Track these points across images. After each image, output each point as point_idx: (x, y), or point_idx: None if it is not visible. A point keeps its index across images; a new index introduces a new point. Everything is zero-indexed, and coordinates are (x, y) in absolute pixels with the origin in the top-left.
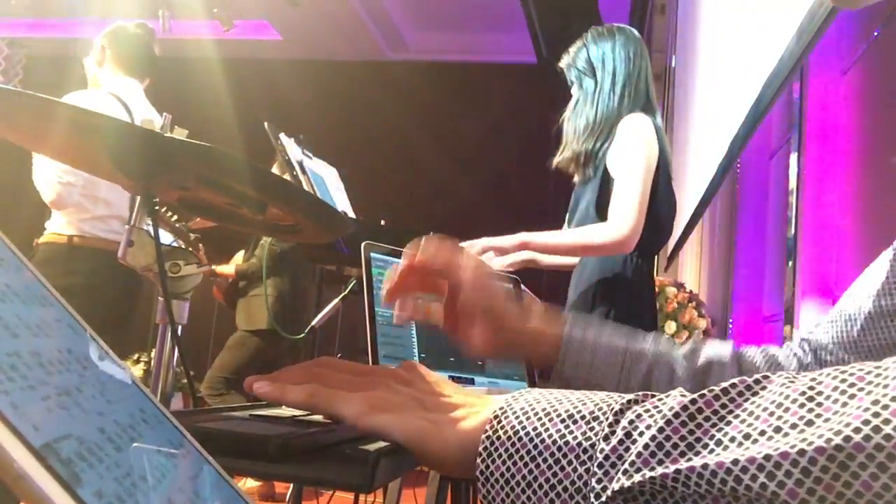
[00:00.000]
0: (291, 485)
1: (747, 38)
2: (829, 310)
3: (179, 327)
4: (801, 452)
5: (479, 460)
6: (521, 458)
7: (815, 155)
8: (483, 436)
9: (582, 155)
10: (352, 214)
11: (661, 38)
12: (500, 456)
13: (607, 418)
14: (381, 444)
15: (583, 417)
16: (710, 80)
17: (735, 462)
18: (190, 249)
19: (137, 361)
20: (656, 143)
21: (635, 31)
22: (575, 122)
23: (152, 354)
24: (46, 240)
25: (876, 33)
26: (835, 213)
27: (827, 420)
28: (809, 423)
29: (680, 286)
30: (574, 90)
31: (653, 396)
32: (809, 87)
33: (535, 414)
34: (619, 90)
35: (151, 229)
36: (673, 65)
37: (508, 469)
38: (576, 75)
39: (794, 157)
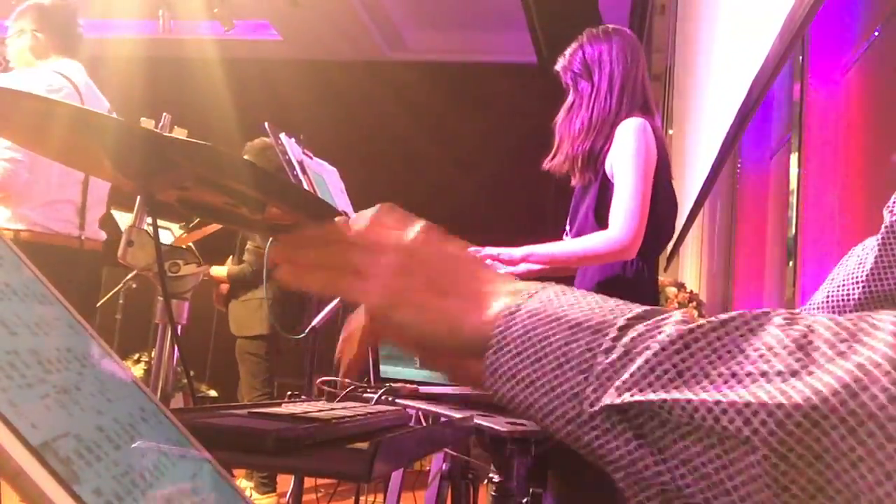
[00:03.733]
0: (290, 486)
1: (743, 37)
2: (814, 295)
3: (179, 327)
4: (779, 405)
5: (487, 353)
6: (528, 357)
7: (815, 155)
8: (494, 330)
9: (580, 158)
10: (352, 214)
11: (661, 39)
12: (507, 353)
13: (610, 333)
14: (379, 437)
15: (589, 327)
16: (709, 79)
17: (717, 402)
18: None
19: (138, 361)
20: (655, 146)
21: (631, 32)
22: (570, 124)
23: (153, 354)
24: None
25: (876, 33)
26: (835, 213)
27: (811, 374)
28: (794, 373)
29: (680, 286)
30: (570, 93)
31: (658, 314)
32: (809, 87)
33: (545, 317)
34: (616, 92)
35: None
36: (673, 65)
37: (514, 367)
38: (571, 78)
39: (794, 157)
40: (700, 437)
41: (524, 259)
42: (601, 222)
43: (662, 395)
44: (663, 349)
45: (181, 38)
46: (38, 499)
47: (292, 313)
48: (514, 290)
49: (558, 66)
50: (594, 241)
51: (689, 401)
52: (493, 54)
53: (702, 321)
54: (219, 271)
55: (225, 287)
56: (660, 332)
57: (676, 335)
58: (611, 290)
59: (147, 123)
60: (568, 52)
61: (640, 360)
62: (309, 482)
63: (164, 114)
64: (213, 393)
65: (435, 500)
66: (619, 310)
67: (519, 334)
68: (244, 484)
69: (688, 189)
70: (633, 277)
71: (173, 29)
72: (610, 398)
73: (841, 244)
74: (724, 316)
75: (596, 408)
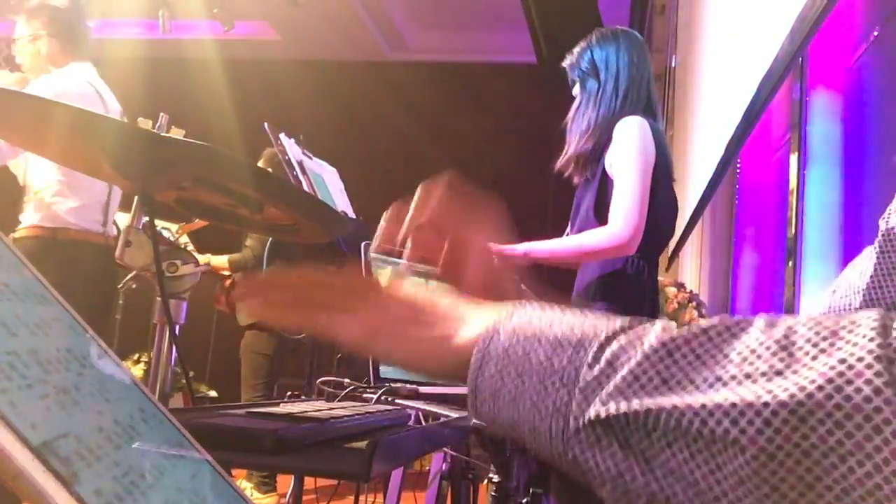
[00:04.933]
0: (290, 487)
1: (746, 38)
2: (817, 307)
3: (177, 327)
4: (766, 404)
5: (470, 372)
6: (509, 374)
7: (815, 155)
8: (475, 349)
9: (582, 156)
10: (352, 214)
11: (661, 39)
12: (489, 371)
13: (593, 347)
14: (377, 437)
15: (570, 343)
16: (710, 80)
17: (703, 406)
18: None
19: (137, 361)
20: (653, 145)
21: (639, 35)
22: (578, 123)
23: (152, 354)
24: (25, 234)
25: (876, 33)
26: (835, 213)
27: (795, 372)
28: (778, 372)
29: (680, 286)
30: (576, 90)
31: (640, 324)
32: (809, 87)
33: (525, 336)
34: (621, 93)
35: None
36: (673, 65)
37: (496, 384)
38: (578, 75)
39: (794, 157)
40: (687, 443)
41: (525, 255)
42: (601, 219)
43: (648, 403)
44: (647, 357)
45: (181, 38)
46: (38, 499)
47: None
48: (493, 312)
49: (566, 63)
50: (594, 237)
51: (674, 406)
52: (493, 54)
53: (683, 329)
54: (219, 261)
55: (228, 281)
56: (642, 342)
57: (659, 343)
58: (612, 285)
59: (145, 124)
60: (577, 49)
61: (623, 371)
62: (309, 482)
63: (162, 114)
64: (212, 393)
65: (435, 500)
66: (600, 324)
67: (500, 353)
68: (244, 485)
69: (689, 191)
70: (634, 275)
71: (173, 29)
72: (595, 411)
73: (841, 244)
74: (705, 323)
75: (581, 422)
